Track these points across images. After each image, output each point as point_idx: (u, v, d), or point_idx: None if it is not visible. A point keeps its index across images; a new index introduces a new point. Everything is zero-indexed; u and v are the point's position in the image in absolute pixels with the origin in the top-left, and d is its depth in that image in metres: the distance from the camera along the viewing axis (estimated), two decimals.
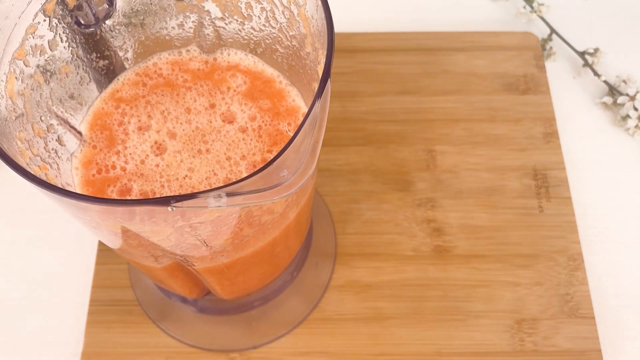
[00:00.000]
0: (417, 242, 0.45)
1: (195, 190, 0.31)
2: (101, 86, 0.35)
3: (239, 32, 0.34)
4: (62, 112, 0.32)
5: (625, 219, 0.47)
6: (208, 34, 0.35)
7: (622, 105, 0.50)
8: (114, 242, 0.30)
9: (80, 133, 0.33)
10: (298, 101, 0.34)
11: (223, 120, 0.34)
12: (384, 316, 0.43)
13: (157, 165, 0.32)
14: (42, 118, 0.31)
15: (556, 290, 0.43)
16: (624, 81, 0.51)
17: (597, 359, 0.41)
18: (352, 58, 0.52)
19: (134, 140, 0.33)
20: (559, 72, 0.53)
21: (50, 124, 0.31)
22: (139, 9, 0.34)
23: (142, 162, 0.32)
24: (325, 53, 0.26)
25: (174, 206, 0.22)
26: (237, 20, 0.34)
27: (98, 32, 0.33)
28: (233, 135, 0.33)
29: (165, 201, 0.22)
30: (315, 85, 0.28)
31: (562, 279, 0.43)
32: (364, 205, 0.46)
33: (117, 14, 0.33)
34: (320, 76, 0.25)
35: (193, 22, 0.35)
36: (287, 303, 0.43)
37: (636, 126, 0.49)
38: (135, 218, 0.25)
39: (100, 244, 0.45)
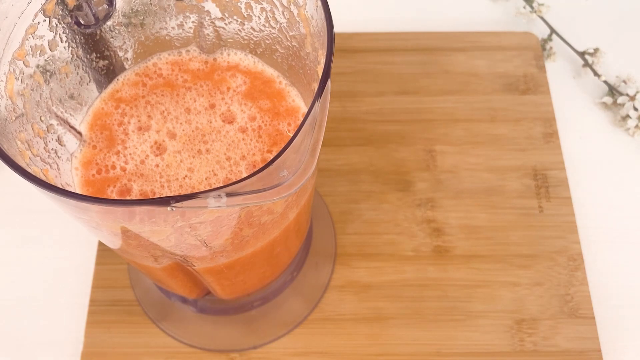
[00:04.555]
0: (417, 242, 0.45)
1: (195, 191, 0.31)
2: (101, 86, 0.35)
3: (239, 33, 0.34)
4: (62, 112, 0.32)
5: (625, 219, 0.47)
6: (208, 34, 0.35)
7: (622, 105, 0.50)
8: (114, 242, 0.30)
9: (80, 133, 0.33)
10: (298, 101, 0.34)
11: (223, 121, 0.34)
12: (384, 316, 0.43)
13: (157, 166, 0.32)
14: (42, 118, 0.31)
15: (556, 291, 0.43)
16: (624, 81, 0.51)
17: (597, 359, 0.41)
18: (352, 58, 0.52)
19: (134, 141, 0.33)
20: (559, 72, 0.53)
21: (50, 124, 0.31)
22: (139, 9, 0.34)
23: (142, 162, 0.32)
24: (325, 53, 0.26)
25: (174, 206, 0.22)
26: (237, 21, 0.34)
27: (98, 32, 0.33)
28: (233, 136, 0.33)
29: (165, 201, 0.22)
30: (315, 86, 0.28)
31: (562, 279, 0.43)
32: (364, 205, 0.46)
33: (117, 14, 0.33)
34: (320, 76, 0.25)
35: (193, 22, 0.35)
36: (287, 303, 0.43)
37: (636, 126, 0.49)
38: (135, 218, 0.25)
39: (100, 244, 0.45)
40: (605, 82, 0.51)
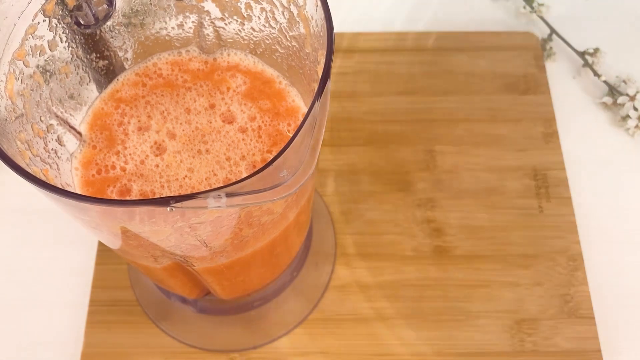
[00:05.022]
0: (417, 242, 0.45)
1: (195, 191, 0.31)
2: (101, 86, 0.35)
3: (239, 33, 0.34)
4: (61, 112, 0.32)
5: (625, 219, 0.47)
6: (208, 34, 0.35)
7: (622, 105, 0.50)
8: (114, 243, 0.30)
9: (80, 133, 0.33)
10: (298, 101, 0.34)
11: (223, 121, 0.34)
12: (384, 316, 0.43)
13: (157, 166, 0.32)
14: (42, 118, 0.31)
15: (556, 291, 0.43)
16: (624, 81, 0.51)
17: (597, 359, 0.41)
18: (352, 58, 0.52)
19: (134, 141, 0.33)
20: (559, 72, 0.53)
21: (50, 124, 0.31)
22: (139, 9, 0.34)
23: (142, 162, 0.32)
24: (325, 53, 0.26)
25: (174, 206, 0.22)
26: (236, 21, 0.34)
27: (98, 32, 0.33)
28: (233, 136, 0.33)
29: (164, 201, 0.22)
30: (315, 86, 0.28)
31: (562, 279, 0.43)
32: (364, 205, 0.46)
33: (116, 14, 0.33)
34: (319, 76, 0.25)
35: (193, 22, 0.35)
36: (287, 303, 0.43)
37: (636, 126, 0.49)
38: (134, 218, 0.25)
39: (100, 244, 0.45)
40: (605, 82, 0.51)
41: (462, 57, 0.52)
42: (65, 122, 0.32)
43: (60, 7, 0.30)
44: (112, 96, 0.35)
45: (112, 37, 0.34)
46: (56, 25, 0.31)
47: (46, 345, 0.42)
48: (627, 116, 0.49)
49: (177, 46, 0.36)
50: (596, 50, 0.52)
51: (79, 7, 0.31)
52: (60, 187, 0.27)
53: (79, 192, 0.32)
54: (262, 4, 0.32)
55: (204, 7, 0.34)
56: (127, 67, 0.35)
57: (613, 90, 0.50)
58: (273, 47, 0.34)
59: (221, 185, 0.28)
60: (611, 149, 0.49)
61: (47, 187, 0.23)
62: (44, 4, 0.29)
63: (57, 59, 0.31)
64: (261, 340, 0.42)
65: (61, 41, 0.31)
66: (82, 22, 0.32)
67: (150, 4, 0.34)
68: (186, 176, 0.32)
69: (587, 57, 0.52)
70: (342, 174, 0.47)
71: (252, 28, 0.34)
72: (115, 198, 0.31)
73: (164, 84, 0.35)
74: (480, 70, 0.52)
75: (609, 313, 0.43)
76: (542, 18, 0.54)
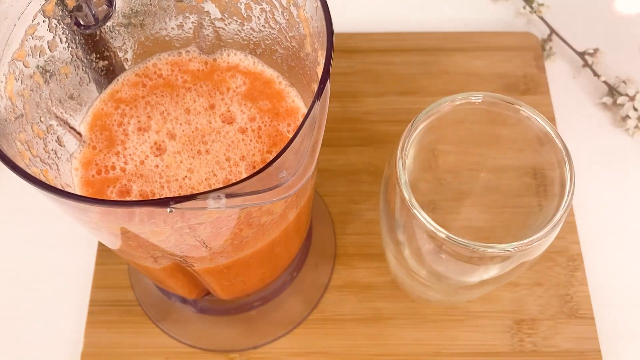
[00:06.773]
0: None
1: (194, 191, 0.31)
2: (101, 87, 0.35)
3: (239, 33, 0.34)
4: (61, 112, 0.32)
5: (625, 219, 0.47)
6: (208, 35, 0.35)
7: (622, 105, 0.50)
8: (114, 243, 0.30)
9: (79, 134, 0.33)
10: (297, 102, 0.34)
11: (223, 121, 0.34)
12: (383, 316, 0.43)
13: (157, 166, 0.32)
14: (42, 119, 0.31)
15: (556, 291, 0.43)
16: (624, 81, 0.51)
17: (597, 359, 0.41)
18: (352, 58, 0.52)
19: (134, 141, 0.33)
20: (559, 73, 0.53)
21: (50, 125, 0.31)
22: (139, 9, 0.34)
23: (142, 162, 0.32)
24: (324, 54, 0.26)
25: (173, 207, 0.22)
26: (236, 21, 0.34)
27: (98, 32, 0.33)
28: (233, 136, 0.33)
29: (164, 202, 0.22)
30: (315, 86, 0.28)
31: (561, 279, 0.43)
32: (364, 205, 0.46)
33: (116, 14, 0.33)
34: (319, 77, 0.25)
35: (193, 22, 0.35)
36: (286, 303, 0.43)
37: (636, 126, 0.49)
38: (134, 219, 0.25)
39: (100, 244, 0.45)
40: (605, 82, 0.51)
41: (462, 57, 0.52)
42: (65, 123, 0.32)
43: (60, 7, 0.30)
44: (112, 97, 0.35)
45: (112, 38, 0.34)
46: (56, 25, 0.31)
47: (46, 345, 0.42)
48: (627, 116, 0.49)
49: (177, 46, 0.36)
50: (596, 50, 0.52)
51: (78, 8, 0.31)
52: (60, 187, 0.27)
53: (78, 192, 0.32)
54: (262, 5, 0.32)
55: (203, 8, 0.34)
56: (127, 67, 0.35)
57: (613, 91, 0.50)
58: (273, 47, 0.34)
59: (221, 185, 0.28)
60: (611, 149, 0.49)
61: (46, 188, 0.23)
62: (43, 4, 0.29)
63: (57, 59, 0.31)
64: (261, 340, 0.42)
65: (61, 42, 0.31)
66: (82, 23, 0.32)
67: (150, 4, 0.34)
68: (186, 177, 0.32)
69: (587, 57, 0.52)
70: (342, 174, 0.47)
71: (252, 28, 0.34)
72: (115, 199, 0.31)
73: (164, 84, 0.35)
74: (480, 71, 0.52)
75: (608, 313, 0.43)
76: (542, 18, 0.54)
